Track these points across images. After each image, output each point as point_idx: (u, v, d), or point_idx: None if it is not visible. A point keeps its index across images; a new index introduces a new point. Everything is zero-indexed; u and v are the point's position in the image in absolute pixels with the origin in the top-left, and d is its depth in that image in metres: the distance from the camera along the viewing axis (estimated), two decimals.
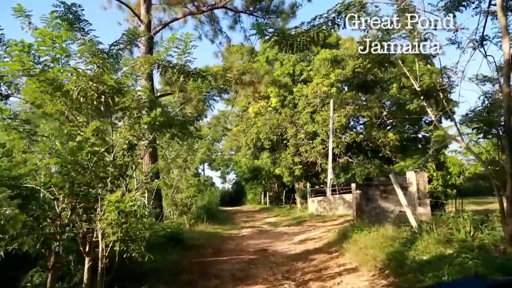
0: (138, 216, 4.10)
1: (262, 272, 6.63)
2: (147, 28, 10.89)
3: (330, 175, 18.61)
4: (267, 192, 31.34)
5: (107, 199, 3.96)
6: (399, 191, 8.18)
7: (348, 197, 17.03)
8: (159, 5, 13.03)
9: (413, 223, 6.86)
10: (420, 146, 24.97)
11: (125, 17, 13.65)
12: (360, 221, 10.34)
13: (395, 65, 6.33)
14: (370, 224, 9.60)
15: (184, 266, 7.02)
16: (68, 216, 4.17)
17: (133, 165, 5.58)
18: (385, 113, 22.70)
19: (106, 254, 4.29)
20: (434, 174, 15.52)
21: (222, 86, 6.46)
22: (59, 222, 4.05)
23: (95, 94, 4.33)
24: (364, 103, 20.99)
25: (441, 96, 6.16)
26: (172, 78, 6.21)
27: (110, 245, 4.14)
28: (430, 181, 11.73)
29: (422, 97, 6.49)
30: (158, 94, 11.12)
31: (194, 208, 14.62)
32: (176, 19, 12.91)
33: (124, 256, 4.18)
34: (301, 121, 21.75)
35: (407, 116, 22.51)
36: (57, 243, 4.00)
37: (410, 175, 12.26)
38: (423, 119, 24.29)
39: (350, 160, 22.65)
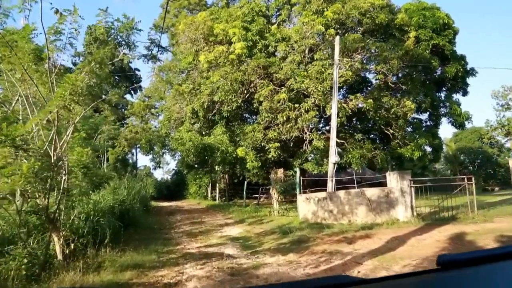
0: None
1: None
2: None
3: (333, 156, 11.36)
4: (217, 184, 23.71)
5: None
6: None
7: (370, 193, 9.98)
8: None
9: None
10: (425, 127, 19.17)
11: None
12: None
13: None
14: None
15: None
16: None
17: None
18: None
19: None
20: None
21: None
22: None
23: None
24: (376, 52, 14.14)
25: None
26: None
27: None
28: None
29: None
30: None
31: (75, 217, 6.53)
32: None
33: None
34: (282, 74, 14.03)
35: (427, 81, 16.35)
36: None
37: None
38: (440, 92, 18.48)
39: (339, 140, 15.73)
